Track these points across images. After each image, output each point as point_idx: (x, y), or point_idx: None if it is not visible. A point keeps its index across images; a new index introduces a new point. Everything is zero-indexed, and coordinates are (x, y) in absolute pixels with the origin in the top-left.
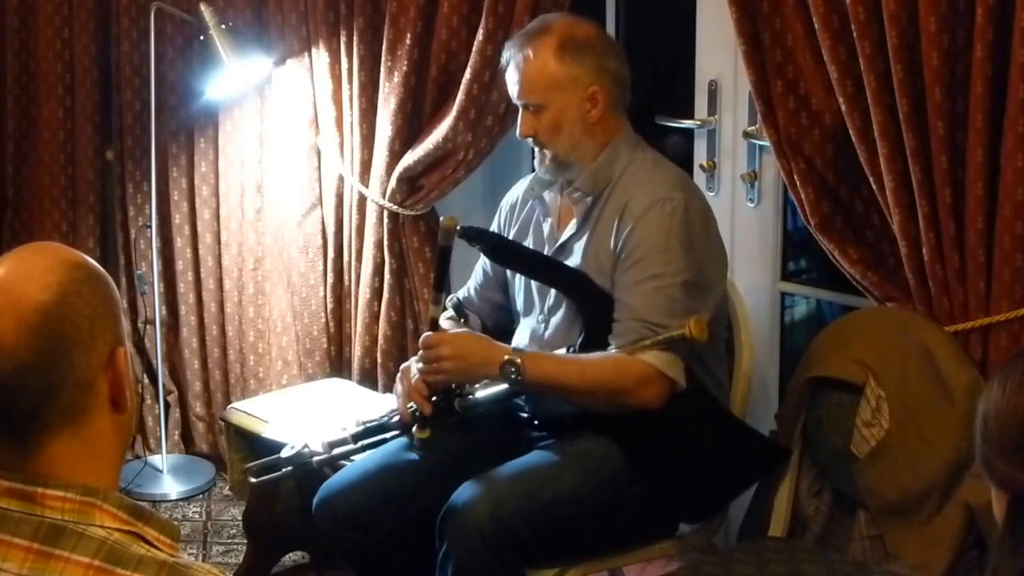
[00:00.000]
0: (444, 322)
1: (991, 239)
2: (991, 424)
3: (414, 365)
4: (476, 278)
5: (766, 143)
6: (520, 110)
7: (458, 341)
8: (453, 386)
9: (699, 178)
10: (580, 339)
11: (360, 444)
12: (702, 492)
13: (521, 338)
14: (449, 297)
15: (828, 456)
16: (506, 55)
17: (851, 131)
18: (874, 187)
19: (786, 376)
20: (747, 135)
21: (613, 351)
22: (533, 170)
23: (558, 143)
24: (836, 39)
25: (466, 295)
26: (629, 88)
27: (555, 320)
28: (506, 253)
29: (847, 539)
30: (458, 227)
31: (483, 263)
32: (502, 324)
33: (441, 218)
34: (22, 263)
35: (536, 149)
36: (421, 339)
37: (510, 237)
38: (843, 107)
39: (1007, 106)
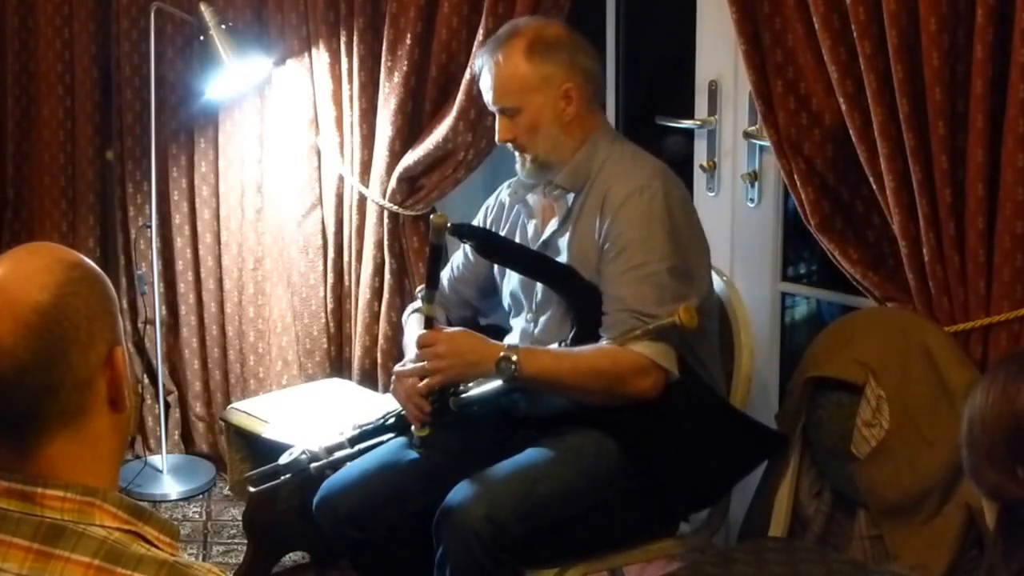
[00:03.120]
0: (412, 316)
1: (991, 239)
2: (976, 432)
3: (409, 364)
4: (451, 270)
5: (766, 143)
6: (497, 116)
7: (454, 339)
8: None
9: (699, 178)
10: (571, 334)
11: (357, 448)
12: (700, 482)
13: (512, 339)
14: (419, 288)
15: (828, 456)
16: (479, 62)
17: (851, 131)
18: (874, 187)
19: (786, 376)
20: (747, 135)
21: (605, 343)
22: None
23: (536, 144)
24: (836, 39)
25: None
26: (603, 84)
27: (544, 317)
28: (496, 249)
29: (847, 539)
30: (448, 224)
31: (463, 256)
32: (464, 320)
33: (431, 216)
34: (19, 264)
35: (516, 153)
36: (417, 338)
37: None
38: (843, 107)
39: (1007, 106)
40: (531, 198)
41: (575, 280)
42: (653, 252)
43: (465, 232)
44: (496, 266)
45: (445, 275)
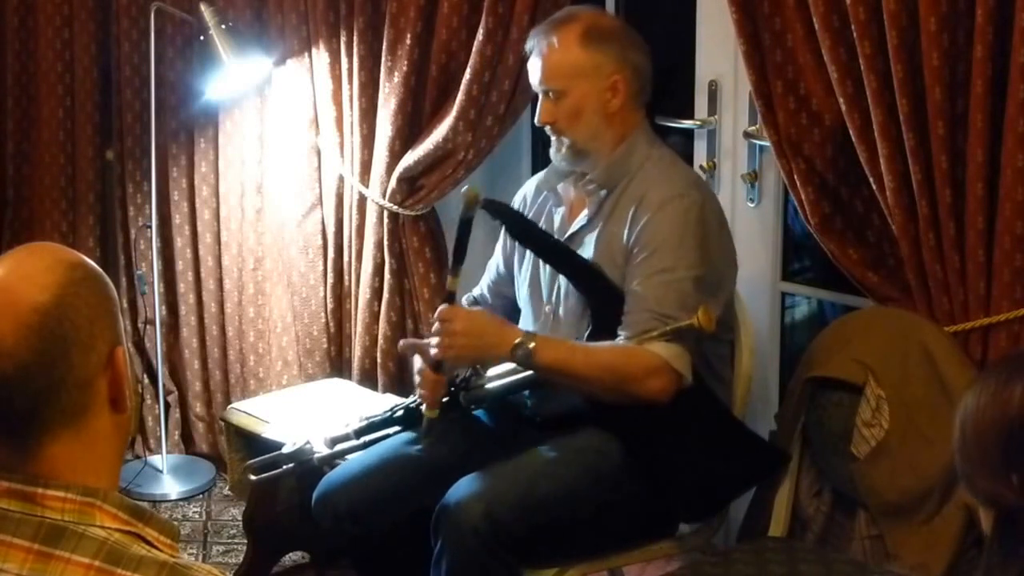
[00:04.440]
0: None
1: (991, 239)
2: (969, 439)
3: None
4: (489, 276)
5: (766, 143)
6: (540, 97)
7: (473, 318)
8: (458, 379)
9: None
10: (588, 330)
11: (363, 440)
12: (700, 492)
13: (525, 327)
14: (466, 296)
15: (828, 456)
16: (530, 43)
17: (851, 131)
18: (874, 187)
19: (786, 376)
20: (747, 135)
21: (622, 340)
22: (533, 172)
23: (577, 130)
24: (836, 39)
25: (480, 293)
26: (650, 83)
27: (564, 310)
28: (524, 231)
29: (847, 539)
30: (481, 199)
31: (496, 261)
32: (514, 322)
33: (464, 188)
34: (20, 264)
35: (553, 138)
36: (437, 312)
37: None
38: (843, 107)
39: (1007, 106)
40: (562, 187)
41: (598, 278)
42: (682, 260)
43: (497, 208)
44: (516, 254)
45: (485, 283)
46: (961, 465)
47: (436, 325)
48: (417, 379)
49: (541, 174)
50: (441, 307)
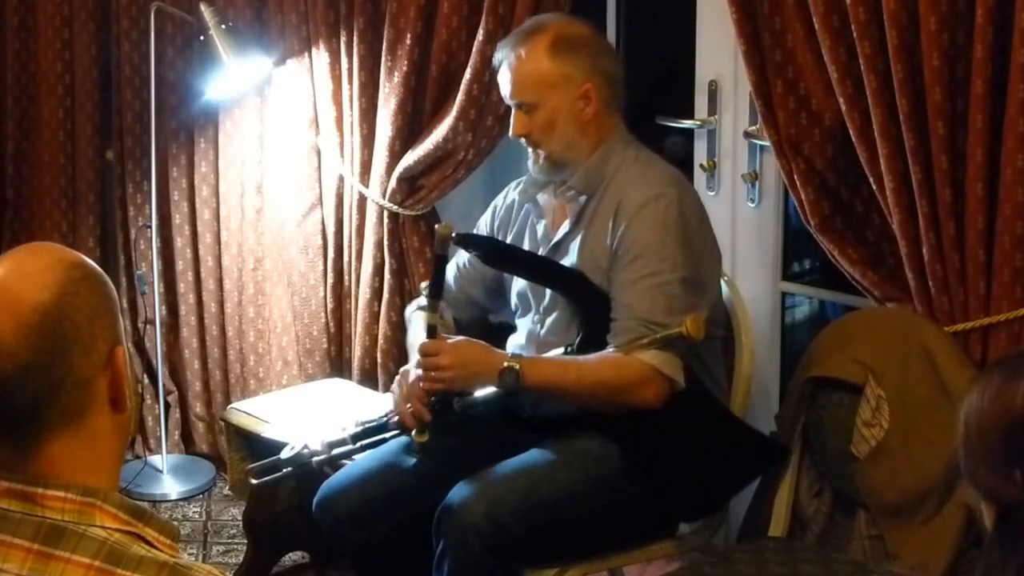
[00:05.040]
0: (416, 314)
1: (991, 239)
2: (972, 435)
3: (413, 370)
4: (458, 269)
5: (766, 143)
6: (513, 110)
7: (458, 349)
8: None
9: (699, 178)
10: (578, 338)
11: (359, 444)
12: (701, 491)
13: (518, 339)
14: (423, 284)
15: (828, 456)
16: (499, 56)
17: (851, 131)
18: (874, 187)
19: (786, 376)
20: (747, 135)
21: (611, 350)
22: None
23: (552, 141)
24: (836, 39)
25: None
26: (623, 88)
27: (551, 320)
28: (502, 257)
29: (847, 539)
30: (453, 234)
31: (469, 256)
32: (474, 319)
33: (436, 226)
34: (20, 263)
35: (529, 149)
36: (419, 347)
37: (508, 240)
38: (843, 107)
39: (1007, 106)
40: (541, 198)
41: (583, 285)
42: (667, 261)
43: (470, 242)
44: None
45: (451, 274)
46: (964, 461)
47: (419, 359)
48: (402, 404)
49: (519, 182)
50: (424, 342)
